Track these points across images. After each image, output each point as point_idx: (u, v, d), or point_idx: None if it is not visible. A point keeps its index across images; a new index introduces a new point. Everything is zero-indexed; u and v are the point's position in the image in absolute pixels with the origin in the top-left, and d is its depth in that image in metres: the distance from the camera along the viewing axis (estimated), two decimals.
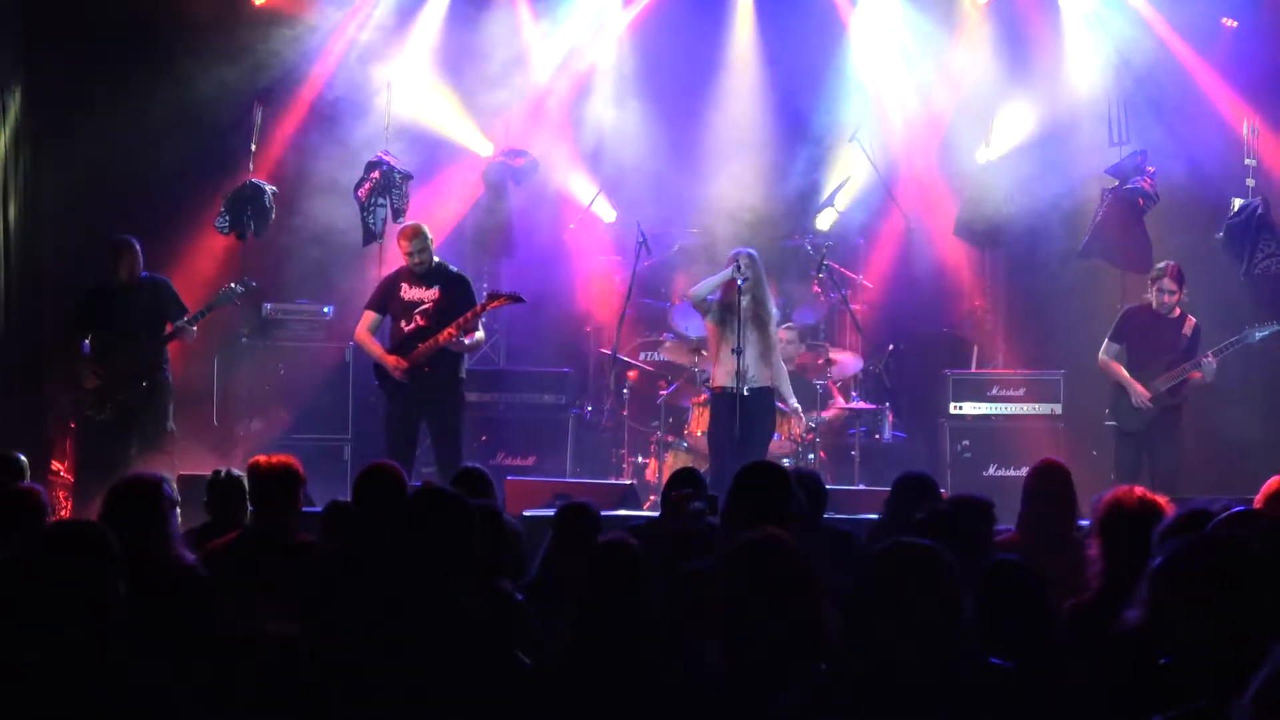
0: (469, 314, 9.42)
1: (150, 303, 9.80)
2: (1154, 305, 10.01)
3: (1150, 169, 11.30)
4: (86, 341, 9.81)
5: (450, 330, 9.33)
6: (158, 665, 3.70)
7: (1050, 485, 5.91)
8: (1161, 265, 10.11)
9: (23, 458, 6.95)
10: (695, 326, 11.81)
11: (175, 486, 5.70)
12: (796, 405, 9.86)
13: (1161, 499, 4.66)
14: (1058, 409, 11.09)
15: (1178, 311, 9.99)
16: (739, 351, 9.11)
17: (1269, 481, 5.38)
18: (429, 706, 4.07)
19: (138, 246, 9.82)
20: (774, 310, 9.66)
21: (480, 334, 9.86)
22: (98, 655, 3.49)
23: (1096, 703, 3.91)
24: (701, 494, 5.99)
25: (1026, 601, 4.37)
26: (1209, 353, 9.85)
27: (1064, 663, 4.18)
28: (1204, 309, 10.28)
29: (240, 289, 10.15)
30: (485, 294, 9.74)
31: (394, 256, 10.16)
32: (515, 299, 9.62)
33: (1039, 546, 5.49)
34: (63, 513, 9.58)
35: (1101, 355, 10.20)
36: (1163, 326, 10.00)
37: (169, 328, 9.77)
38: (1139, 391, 9.93)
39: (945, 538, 4.31)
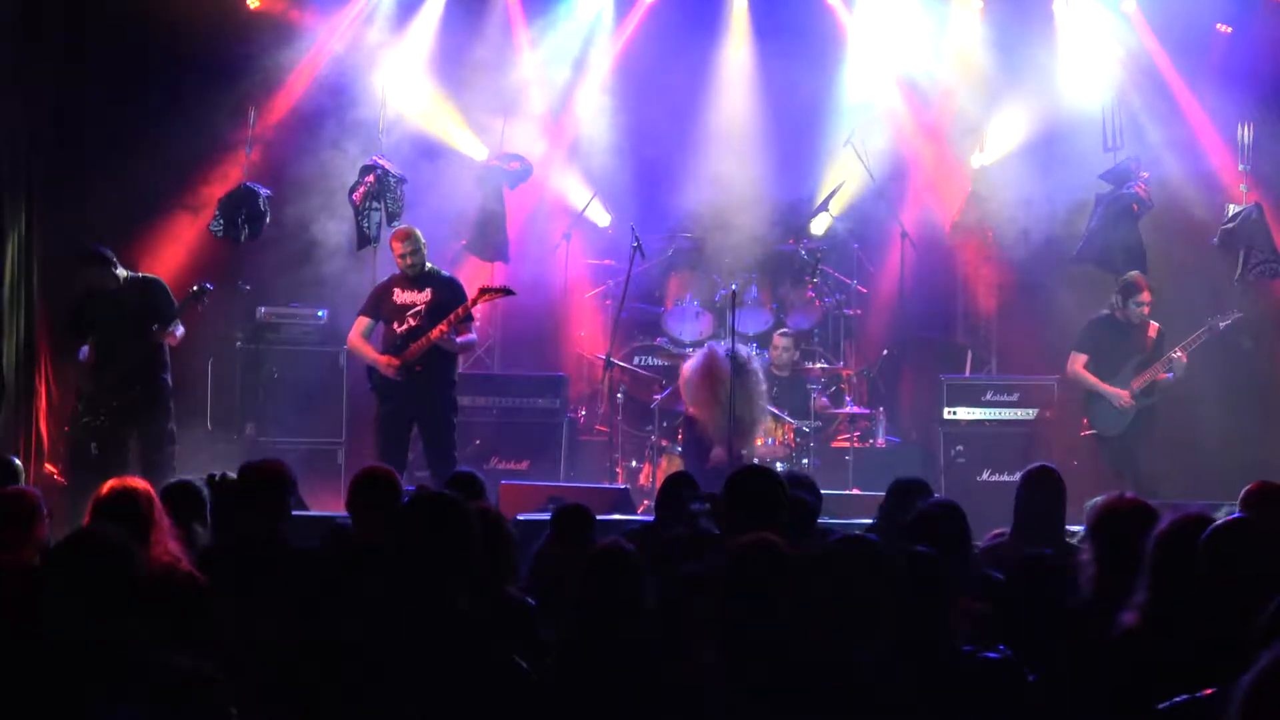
0: (460, 310, 9.42)
1: (137, 305, 9.52)
2: (1125, 316, 10.04)
3: (1145, 174, 11.32)
4: (85, 347, 9.67)
5: (442, 327, 9.34)
6: (155, 669, 3.70)
7: (1043, 490, 5.92)
8: (1131, 277, 10.18)
9: (17, 461, 6.93)
10: (689, 331, 11.82)
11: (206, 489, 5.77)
12: None
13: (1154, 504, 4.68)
14: (1051, 414, 11.09)
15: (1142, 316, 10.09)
16: None
17: (1249, 486, 5.40)
18: (425, 711, 4.06)
19: (105, 255, 9.50)
20: None
21: (472, 335, 9.88)
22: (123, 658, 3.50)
23: (1093, 704, 3.92)
24: (698, 496, 5.98)
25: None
26: (1177, 349, 9.92)
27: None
28: (1197, 314, 10.31)
29: (199, 289, 9.58)
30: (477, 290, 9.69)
31: (388, 260, 10.16)
32: (506, 292, 9.62)
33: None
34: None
35: (1070, 367, 10.26)
36: (1128, 332, 10.09)
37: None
38: (1118, 394, 9.97)
39: (929, 540, 4.35)
